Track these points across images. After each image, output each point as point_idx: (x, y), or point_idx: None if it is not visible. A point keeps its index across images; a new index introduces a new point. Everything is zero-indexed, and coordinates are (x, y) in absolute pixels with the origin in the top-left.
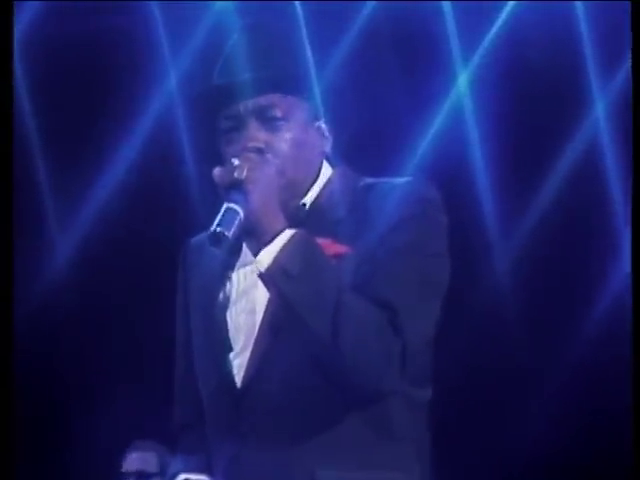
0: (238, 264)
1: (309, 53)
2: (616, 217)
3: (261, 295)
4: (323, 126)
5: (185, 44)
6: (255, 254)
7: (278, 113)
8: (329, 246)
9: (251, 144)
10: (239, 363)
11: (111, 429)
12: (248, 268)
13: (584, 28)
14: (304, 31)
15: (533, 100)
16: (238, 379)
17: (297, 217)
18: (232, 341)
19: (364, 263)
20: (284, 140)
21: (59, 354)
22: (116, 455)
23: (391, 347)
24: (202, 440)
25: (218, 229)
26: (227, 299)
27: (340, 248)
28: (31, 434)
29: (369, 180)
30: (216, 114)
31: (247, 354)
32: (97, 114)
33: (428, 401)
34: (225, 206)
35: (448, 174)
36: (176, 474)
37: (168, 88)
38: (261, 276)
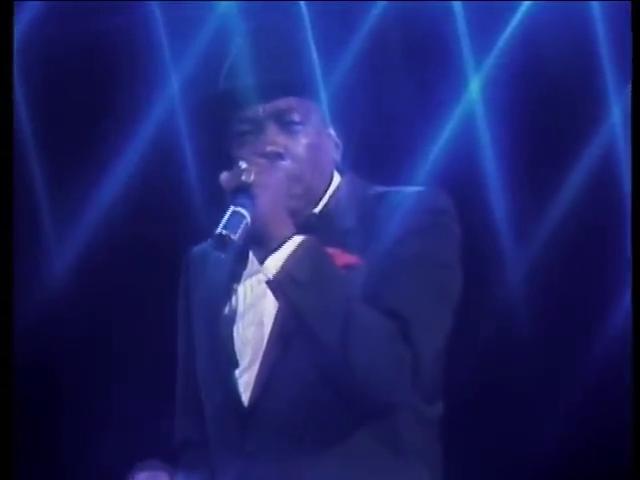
0: (245, 275)
1: (316, 56)
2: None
3: (269, 307)
4: (333, 133)
5: (188, 46)
6: (262, 262)
7: (296, 117)
8: (338, 256)
9: (270, 148)
10: (246, 379)
11: (112, 439)
12: (255, 279)
13: (600, 28)
14: (310, 33)
15: (548, 103)
16: (245, 396)
17: (308, 226)
18: (239, 355)
19: (374, 274)
20: (302, 145)
21: (60, 363)
22: (117, 464)
23: (402, 358)
24: (205, 457)
25: (224, 232)
26: (233, 312)
27: (350, 258)
28: (31, 446)
29: (379, 189)
30: (225, 118)
31: (255, 369)
32: (98, 118)
33: (439, 417)
34: (231, 209)
35: (460, 180)
36: None
37: (170, 91)
38: (268, 283)
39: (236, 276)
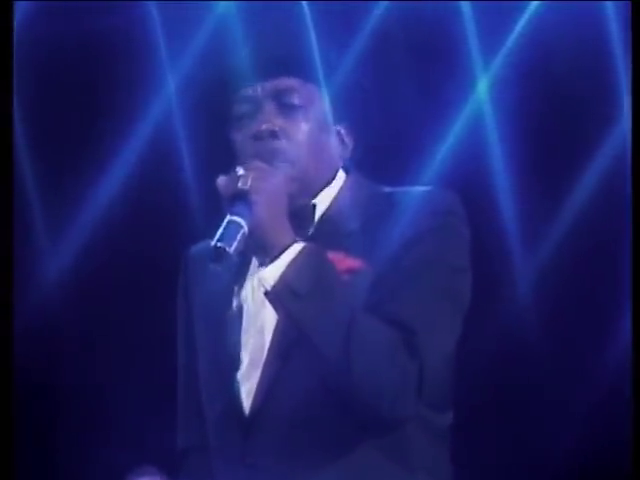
0: (246, 275)
1: (319, 51)
2: None
3: (271, 312)
4: (343, 131)
5: (185, 46)
6: (261, 265)
7: (296, 100)
8: (341, 260)
9: (265, 126)
10: (248, 387)
11: (112, 441)
12: (257, 280)
13: (609, 28)
14: (312, 34)
15: (556, 103)
16: (246, 405)
17: (304, 217)
18: (241, 362)
19: (379, 280)
20: (300, 129)
21: (58, 366)
22: (117, 469)
23: (407, 370)
24: (206, 466)
25: (219, 244)
26: (234, 316)
27: (353, 263)
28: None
29: (385, 189)
30: (226, 99)
31: (256, 377)
32: (95, 118)
33: (449, 426)
34: (227, 219)
35: (467, 180)
36: None
37: (168, 91)
38: (267, 295)
39: (237, 277)
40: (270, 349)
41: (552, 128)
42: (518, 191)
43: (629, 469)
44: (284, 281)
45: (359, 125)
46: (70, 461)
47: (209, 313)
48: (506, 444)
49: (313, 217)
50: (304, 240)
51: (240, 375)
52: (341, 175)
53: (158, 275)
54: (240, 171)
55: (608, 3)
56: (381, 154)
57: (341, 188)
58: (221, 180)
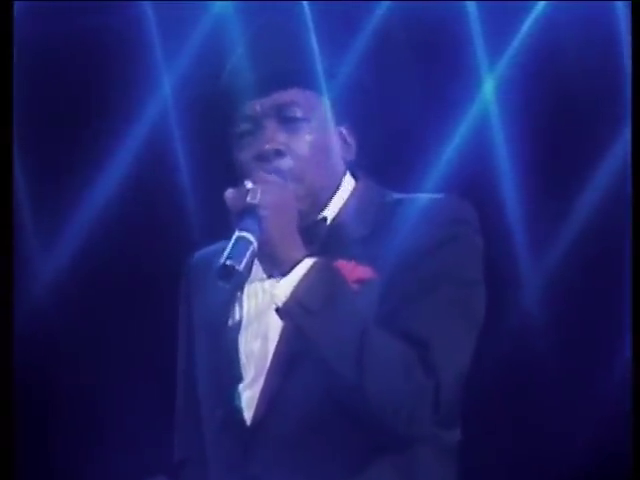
0: (249, 281)
1: (318, 55)
2: None
3: (275, 319)
4: (345, 131)
5: (182, 46)
6: (269, 275)
7: (298, 112)
8: (351, 270)
9: (268, 146)
10: (249, 396)
11: (111, 444)
12: (260, 286)
13: (617, 29)
14: (313, 34)
15: (563, 104)
16: (248, 415)
17: (316, 233)
18: (242, 370)
19: (391, 291)
20: (304, 141)
21: (57, 369)
22: (116, 474)
23: (422, 387)
24: (204, 477)
25: (228, 262)
26: (237, 322)
27: (363, 272)
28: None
29: (396, 195)
30: (226, 117)
31: (259, 386)
32: (90, 118)
33: (457, 442)
34: (236, 235)
35: (473, 182)
36: None
37: (163, 92)
38: (277, 311)
39: (240, 285)
40: (274, 359)
41: (559, 129)
42: (525, 192)
43: None
44: (295, 297)
45: (362, 125)
46: (69, 462)
47: (211, 321)
48: (512, 458)
49: (325, 231)
50: (315, 250)
51: (241, 384)
52: (350, 181)
53: (155, 275)
54: (249, 184)
55: (616, 3)
56: (386, 155)
57: (351, 195)
58: (229, 193)
